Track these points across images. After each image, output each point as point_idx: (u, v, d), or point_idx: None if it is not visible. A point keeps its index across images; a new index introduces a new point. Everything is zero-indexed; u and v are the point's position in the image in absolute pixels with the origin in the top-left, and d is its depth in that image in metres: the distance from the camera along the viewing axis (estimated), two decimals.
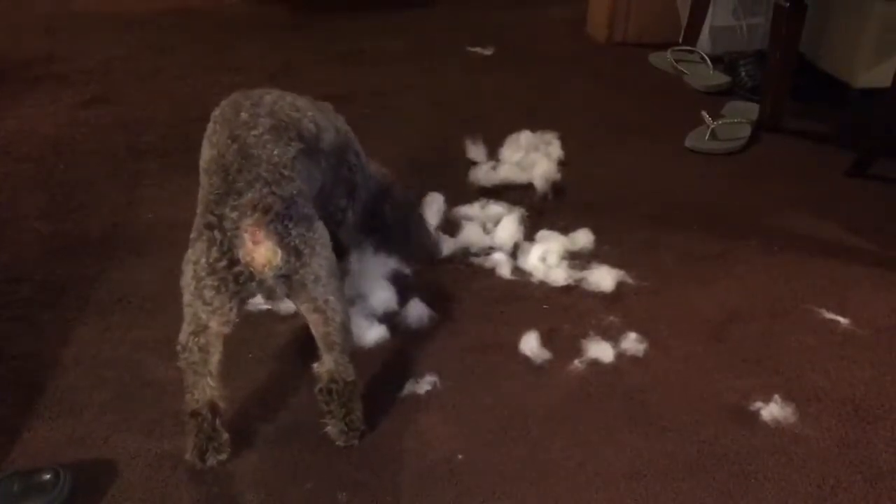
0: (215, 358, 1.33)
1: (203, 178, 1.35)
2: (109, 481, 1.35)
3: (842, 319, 1.75)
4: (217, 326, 1.30)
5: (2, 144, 2.40)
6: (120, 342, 1.66)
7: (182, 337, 1.32)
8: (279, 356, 1.63)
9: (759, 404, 1.53)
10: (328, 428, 1.41)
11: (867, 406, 1.53)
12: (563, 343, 1.67)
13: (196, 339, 1.30)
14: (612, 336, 1.68)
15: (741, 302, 1.81)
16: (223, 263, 1.26)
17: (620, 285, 1.83)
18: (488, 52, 3.08)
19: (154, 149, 2.39)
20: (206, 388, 1.34)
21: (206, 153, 1.37)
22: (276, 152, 1.33)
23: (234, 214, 1.23)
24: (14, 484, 1.26)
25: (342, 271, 1.67)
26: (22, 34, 3.20)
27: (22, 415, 1.48)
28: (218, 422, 1.36)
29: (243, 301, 1.32)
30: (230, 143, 1.33)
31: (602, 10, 3.13)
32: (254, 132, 1.34)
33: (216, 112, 1.43)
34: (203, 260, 1.26)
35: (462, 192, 2.14)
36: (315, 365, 1.40)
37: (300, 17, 3.42)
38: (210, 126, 1.42)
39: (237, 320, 1.32)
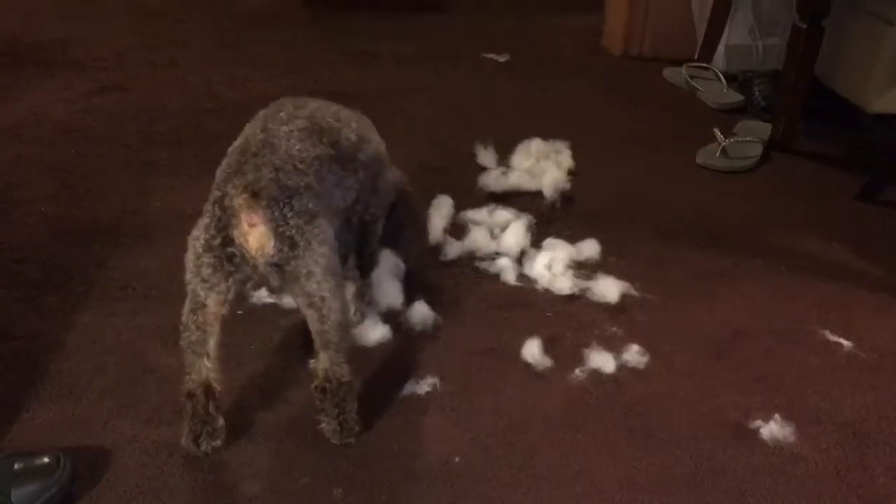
0: (213, 339, 1.33)
1: (224, 159, 1.37)
2: (106, 466, 1.35)
3: (845, 342, 1.74)
4: (214, 306, 1.31)
5: (14, 128, 2.41)
6: (123, 328, 1.66)
7: (183, 316, 1.33)
8: (280, 349, 1.63)
9: (758, 423, 1.52)
10: (323, 425, 1.41)
11: (867, 430, 1.53)
12: (564, 351, 1.67)
13: (195, 317, 1.31)
14: (615, 347, 1.68)
15: (745, 320, 1.80)
16: (218, 241, 1.27)
17: (625, 297, 1.83)
18: (503, 58, 3.08)
19: (165, 138, 2.39)
20: (202, 369, 1.34)
21: (237, 141, 1.39)
22: (297, 147, 1.35)
23: (234, 192, 1.25)
24: (14, 464, 1.25)
25: (367, 285, 1.68)
26: (38, 19, 3.22)
27: (22, 396, 1.48)
28: (212, 406, 1.36)
29: (241, 284, 1.33)
30: (259, 133, 1.36)
31: (619, 22, 3.14)
32: (284, 128, 1.37)
33: (261, 111, 1.46)
34: (202, 236, 1.28)
35: (471, 196, 2.14)
36: (311, 361, 1.41)
37: (315, 15, 3.43)
38: (251, 122, 1.44)
39: (233, 298, 1.32)
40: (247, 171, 1.27)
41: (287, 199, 1.28)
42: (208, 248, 1.27)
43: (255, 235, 1.25)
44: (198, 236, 1.29)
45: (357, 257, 1.67)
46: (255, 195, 1.22)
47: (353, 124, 1.50)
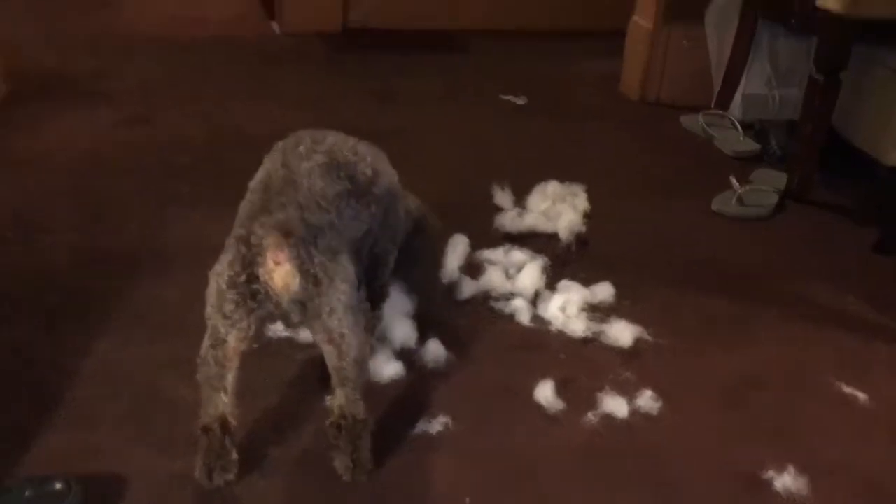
0: (231, 374, 1.34)
1: (246, 196, 1.39)
2: (117, 497, 1.36)
3: (860, 395, 1.73)
4: (235, 342, 1.32)
5: (40, 156, 2.45)
6: (139, 358, 1.67)
7: (202, 350, 1.34)
8: (295, 384, 1.64)
9: (772, 473, 1.51)
10: (335, 462, 1.41)
11: (881, 485, 1.51)
12: (577, 394, 1.67)
13: (214, 352, 1.32)
14: (628, 392, 1.68)
15: (759, 368, 1.80)
16: (242, 278, 1.29)
17: (638, 341, 1.83)
18: (521, 101, 3.12)
19: (188, 171, 2.43)
20: (219, 404, 1.35)
21: (257, 175, 1.42)
22: (320, 184, 1.37)
23: (261, 231, 1.26)
24: (26, 491, 1.26)
25: (377, 318, 1.69)
26: (69, 52, 3.28)
27: (37, 422, 1.49)
28: (227, 440, 1.36)
29: (262, 320, 1.34)
30: (280, 169, 1.38)
31: (636, 69, 3.18)
32: (305, 164, 1.39)
33: (279, 143, 1.48)
34: (226, 273, 1.30)
35: (486, 236, 2.16)
36: (327, 398, 1.41)
37: (337, 54, 3.49)
38: (269, 155, 1.46)
39: (253, 335, 1.34)
40: (273, 210, 1.30)
41: (312, 237, 1.30)
42: (232, 284, 1.29)
43: (281, 273, 1.26)
44: (221, 272, 1.30)
45: (367, 290, 1.69)
46: (287, 234, 1.24)
47: (368, 158, 1.53)
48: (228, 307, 1.29)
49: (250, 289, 1.28)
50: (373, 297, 1.72)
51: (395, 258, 1.72)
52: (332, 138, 1.50)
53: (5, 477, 1.33)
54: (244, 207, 1.37)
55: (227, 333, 1.31)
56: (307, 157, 1.41)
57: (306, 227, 1.29)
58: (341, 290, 1.32)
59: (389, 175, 1.62)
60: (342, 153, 1.47)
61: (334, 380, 1.37)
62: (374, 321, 1.71)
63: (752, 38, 2.87)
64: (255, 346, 1.64)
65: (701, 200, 2.47)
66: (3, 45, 2.84)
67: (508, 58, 3.57)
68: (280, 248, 1.25)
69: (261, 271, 1.27)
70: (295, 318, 1.33)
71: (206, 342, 1.33)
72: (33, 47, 3.30)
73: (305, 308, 1.31)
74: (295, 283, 1.27)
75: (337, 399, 1.38)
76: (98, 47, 3.35)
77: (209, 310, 1.32)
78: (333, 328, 1.32)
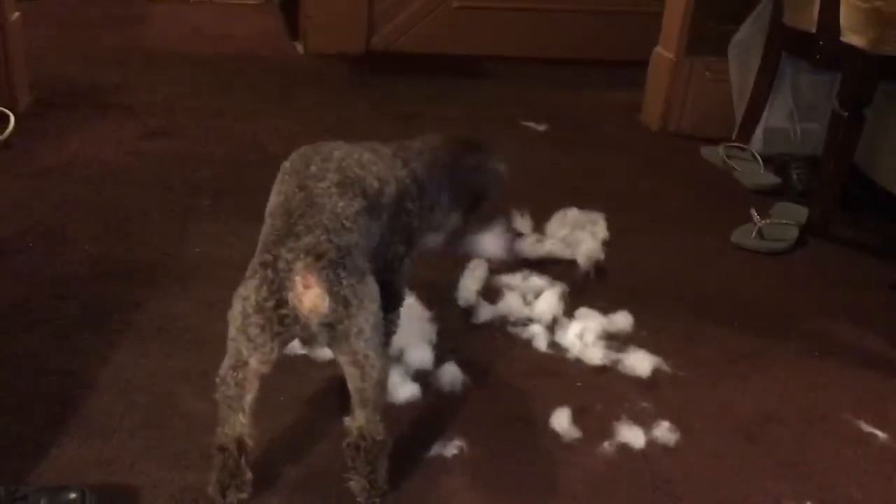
0: (251, 395, 1.33)
1: (266, 221, 1.39)
2: None
3: (880, 434, 1.71)
4: (257, 364, 1.31)
5: (64, 167, 2.48)
6: (155, 370, 1.68)
7: (222, 370, 1.33)
8: (310, 403, 1.63)
9: None
10: (351, 483, 1.40)
11: None
12: (593, 423, 1.65)
13: (234, 373, 1.31)
14: (645, 422, 1.66)
15: (777, 403, 1.78)
16: (271, 303, 1.27)
17: (656, 372, 1.82)
18: (542, 127, 3.13)
19: (209, 186, 2.44)
20: (236, 424, 1.34)
21: (273, 199, 1.41)
22: (340, 204, 1.36)
23: (290, 255, 1.26)
24: (40, 499, 1.26)
25: (392, 323, 1.68)
26: (94, 65, 3.33)
27: (52, 431, 1.49)
28: (243, 460, 1.35)
29: (285, 343, 1.33)
30: (297, 192, 1.37)
31: (658, 99, 3.18)
32: (321, 184, 1.38)
33: (286, 163, 1.47)
34: (253, 297, 1.28)
35: (505, 261, 2.15)
36: (346, 419, 1.40)
37: (359, 76, 3.52)
38: (279, 175, 1.46)
39: (276, 358, 1.32)
40: (300, 234, 1.28)
41: (341, 258, 1.29)
42: (259, 309, 1.27)
43: (310, 297, 1.25)
44: (247, 296, 1.29)
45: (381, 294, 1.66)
46: (318, 257, 1.23)
47: (373, 168, 1.50)
48: (253, 331, 1.28)
49: (278, 314, 1.27)
50: (386, 301, 1.70)
51: (412, 259, 1.69)
52: (338, 153, 1.48)
53: (21, 485, 1.33)
54: (266, 233, 1.35)
55: (249, 356, 1.30)
56: (321, 177, 1.40)
57: (335, 249, 1.29)
58: (370, 311, 1.32)
59: (394, 179, 1.55)
60: (351, 169, 1.46)
61: (355, 400, 1.36)
62: (391, 327, 1.69)
63: (776, 72, 2.87)
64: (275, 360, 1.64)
65: (720, 233, 2.46)
66: (28, 55, 2.87)
67: (530, 85, 3.58)
68: (310, 272, 1.24)
69: (290, 295, 1.26)
70: (322, 340, 1.31)
71: (226, 362, 1.32)
72: (59, 59, 3.35)
73: (334, 330, 1.30)
74: (324, 305, 1.25)
75: (356, 420, 1.37)
76: (123, 61, 3.40)
77: (233, 332, 1.31)
78: (359, 350, 1.31)
